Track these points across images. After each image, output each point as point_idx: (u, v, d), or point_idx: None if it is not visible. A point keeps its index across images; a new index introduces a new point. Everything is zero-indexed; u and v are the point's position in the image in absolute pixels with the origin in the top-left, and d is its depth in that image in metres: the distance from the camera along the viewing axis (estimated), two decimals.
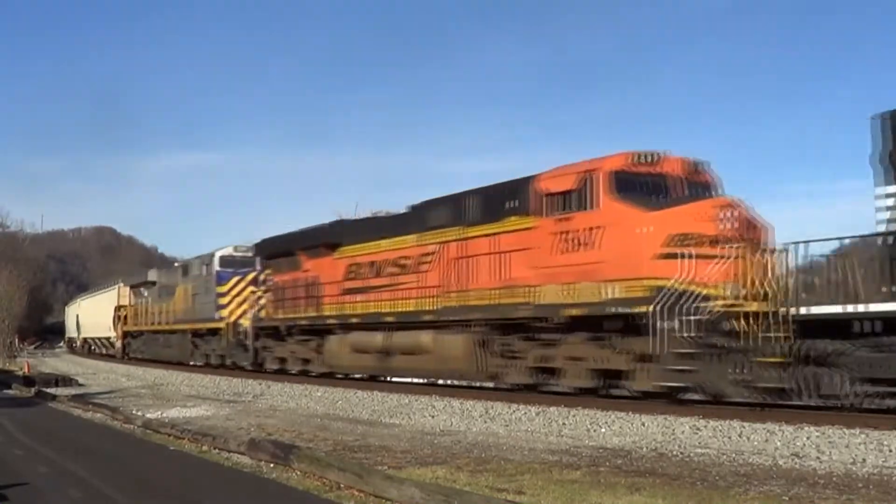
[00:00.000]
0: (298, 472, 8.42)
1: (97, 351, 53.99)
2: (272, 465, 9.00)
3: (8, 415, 15.74)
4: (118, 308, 45.51)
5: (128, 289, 45.46)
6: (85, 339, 58.46)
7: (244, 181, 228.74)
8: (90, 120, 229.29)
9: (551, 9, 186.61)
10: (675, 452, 9.81)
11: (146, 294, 40.57)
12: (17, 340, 60.37)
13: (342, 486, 7.59)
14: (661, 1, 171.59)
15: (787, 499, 6.97)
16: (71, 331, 67.53)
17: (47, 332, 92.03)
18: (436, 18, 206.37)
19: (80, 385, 25.18)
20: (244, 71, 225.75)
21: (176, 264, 38.42)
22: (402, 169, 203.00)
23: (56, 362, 47.35)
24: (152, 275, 40.53)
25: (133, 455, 10.75)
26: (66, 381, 25.50)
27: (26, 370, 31.09)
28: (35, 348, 73.26)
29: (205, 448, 10.72)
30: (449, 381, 19.86)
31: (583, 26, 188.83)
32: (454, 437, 11.65)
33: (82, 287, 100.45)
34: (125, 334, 43.71)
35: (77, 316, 61.47)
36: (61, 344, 76.65)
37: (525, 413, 13.89)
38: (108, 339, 49.13)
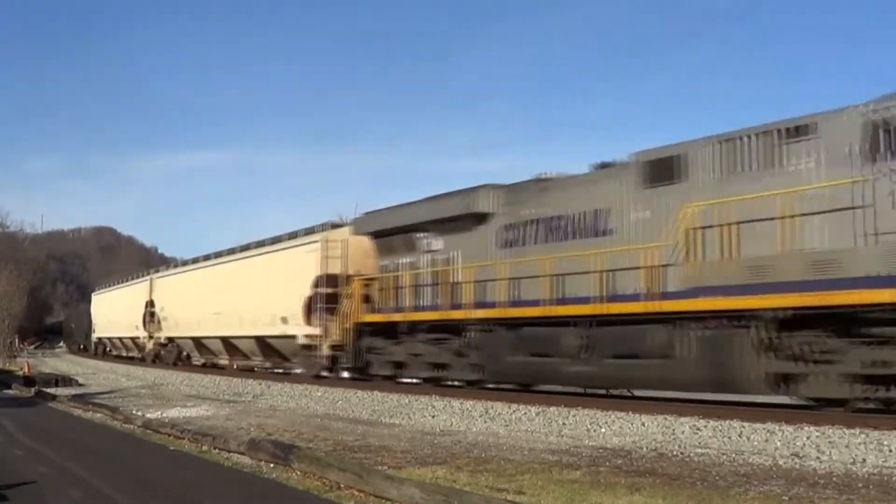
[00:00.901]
0: (298, 472, 8.42)
1: (212, 363, 33.38)
2: (272, 465, 9.00)
3: (8, 415, 15.75)
4: (326, 280, 22.98)
5: (357, 240, 22.70)
6: (171, 341, 36.83)
7: (245, 181, 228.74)
8: (90, 119, 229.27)
9: (552, 8, 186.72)
10: (675, 452, 9.80)
11: (436, 246, 19.52)
12: (17, 340, 60.31)
13: (342, 486, 7.59)
14: (661, 0, 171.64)
15: (787, 499, 6.96)
16: (112, 328, 47.65)
17: (47, 332, 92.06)
18: (436, 17, 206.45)
19: (80, 385, 25.21)
20: (244, 71, 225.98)
21: (607, 163, 16.44)
22: (403, 169, 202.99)
23: (56, 362, 47.33)
24: (483, 200, 17.98)
25: (133, 455, 10.74)
26: (66, 381, 25.53)
27: (26, 370, 31.13)
28: (35, 348, 73.32)
29: (205, 448, 10.72)
30: (448, 382, 19.61)
31: (587, 23, 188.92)
32: (454, 437, 11.64)
33: (82, 287, 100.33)
34: (359, 330, 21.36)
35: (150, 304, 38.90)
36: (61, 344, 76.61)
37: (525, 413, 13.87)
38: (284, 338, 25.40)
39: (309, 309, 23.33)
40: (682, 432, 11.28)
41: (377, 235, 21.44)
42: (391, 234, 20.73)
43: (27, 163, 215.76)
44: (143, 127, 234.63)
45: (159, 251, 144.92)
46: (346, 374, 22.87)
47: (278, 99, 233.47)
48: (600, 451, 10.06)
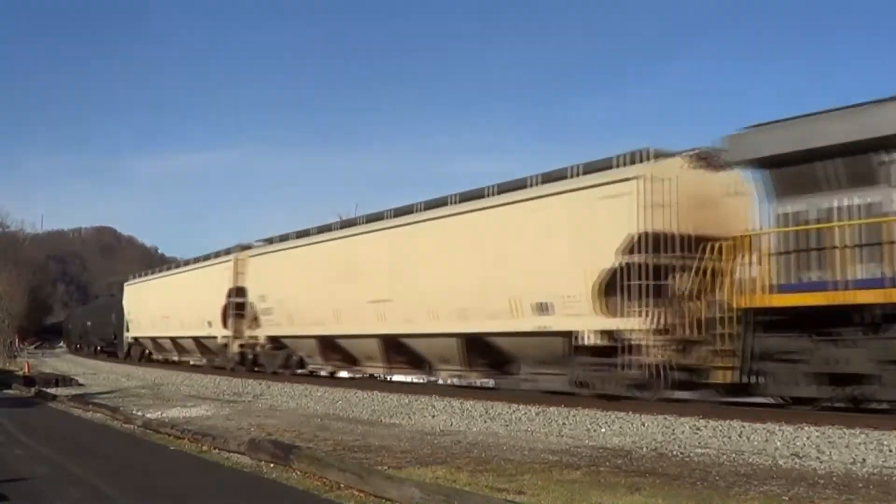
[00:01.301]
0: (298, 472, 8.42)
1: (333, 373, 25.24)
2: (272, 465, 9.00)
3: (8, 415, 15.76)
4: (651, 242, 14.15)
5: (697, 178, 14.72)
6: (275, 340, 26.77)
7: (245, 181, 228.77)
8: (90, 119, 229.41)
9: (554, 8, 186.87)
10: (675, 452, 9.81)
11: None
12: (17, 341, 60.29)
13: (342, 486, 7.59)
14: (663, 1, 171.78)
15: (787, 499, 6.96)
16: (160, 326, 36.99)
17: (47, 332, 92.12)
18: (440, 17, 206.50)
19: (80, 385, 25.20)
20: (244, 71, 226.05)
21: None
22: (402, 170, 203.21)
23: (56, 362, 47.34)
24: None
25: (133, 455, 10.74)
26: (66, 381, 25.53)
27: (27, 370, 31.13)
28: (35, 348, 73.39)
29: (205, 448, 10.73)
30: (448, 381, 19.44)
31: (587, 25, 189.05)
32: (454, 437, 11.65)
33: (82, 287, 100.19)
34: (747, 321, 12.92)
35: (235, 293, 28.77)
36: (61, 344, 76.65)
37: (525, 413, 13.88)
38: (515, 335, 17.01)
39: (610, 288, 14.60)
40: (682, 432, 11.28)
41: (774, 164, 12.96)
42: (815, 158, 12.46)
43: (27, 163, 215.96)
44: (144, 127, 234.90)
45: (159, 251, 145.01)
46: (679, 394, 14.29)
47: (279, 99, 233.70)
48: (600, 451, 10.06)
